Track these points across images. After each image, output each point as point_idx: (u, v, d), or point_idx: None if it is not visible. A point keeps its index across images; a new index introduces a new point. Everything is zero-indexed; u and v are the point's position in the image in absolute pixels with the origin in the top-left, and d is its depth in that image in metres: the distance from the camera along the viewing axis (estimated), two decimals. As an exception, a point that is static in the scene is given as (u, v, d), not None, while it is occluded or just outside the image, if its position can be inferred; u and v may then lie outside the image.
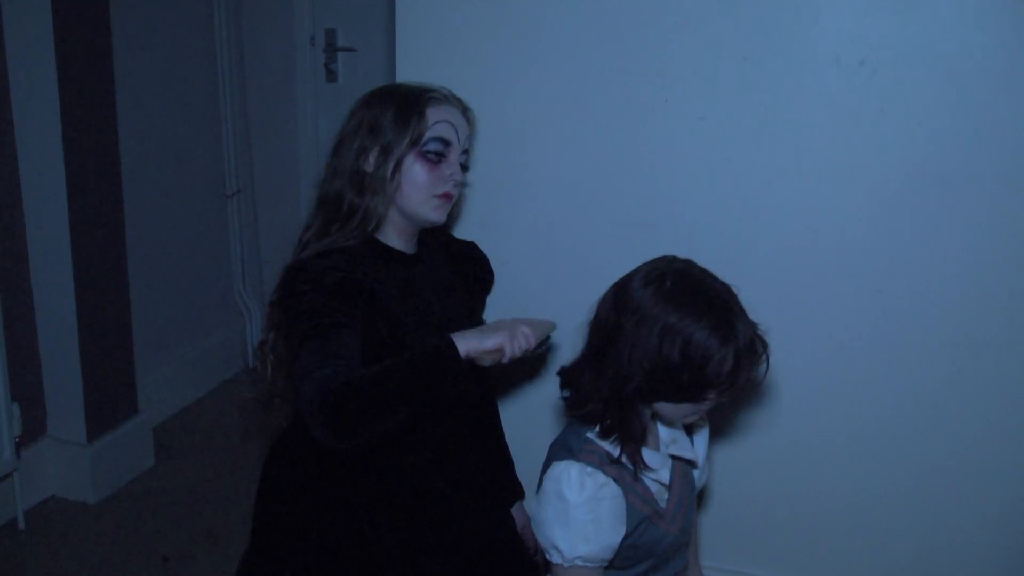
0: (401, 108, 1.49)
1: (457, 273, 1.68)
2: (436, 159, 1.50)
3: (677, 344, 1.26)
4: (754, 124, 1.74)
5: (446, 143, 1.51)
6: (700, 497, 1.88)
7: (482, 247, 1.80)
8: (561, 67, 1.79)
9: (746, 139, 1.75)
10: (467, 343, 1.32)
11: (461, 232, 1.85)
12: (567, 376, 1.41)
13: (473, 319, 1.68)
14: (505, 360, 1.35)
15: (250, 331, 3.37)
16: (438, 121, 1.50)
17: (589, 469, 1.34)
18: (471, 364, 1.34)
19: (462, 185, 1.57)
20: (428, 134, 1.49)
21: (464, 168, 1.55)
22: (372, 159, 1.49)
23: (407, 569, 1.48)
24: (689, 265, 1.35)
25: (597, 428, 1.37)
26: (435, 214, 1.53)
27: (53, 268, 2.39)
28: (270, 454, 1.60)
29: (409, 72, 1.86)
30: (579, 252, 1.86)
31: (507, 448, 1.78)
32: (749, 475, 1.94)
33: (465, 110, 1.56)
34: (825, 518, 1.92)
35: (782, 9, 1.68)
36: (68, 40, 2.29)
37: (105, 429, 2.55)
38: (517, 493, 1.77)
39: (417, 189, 1.50)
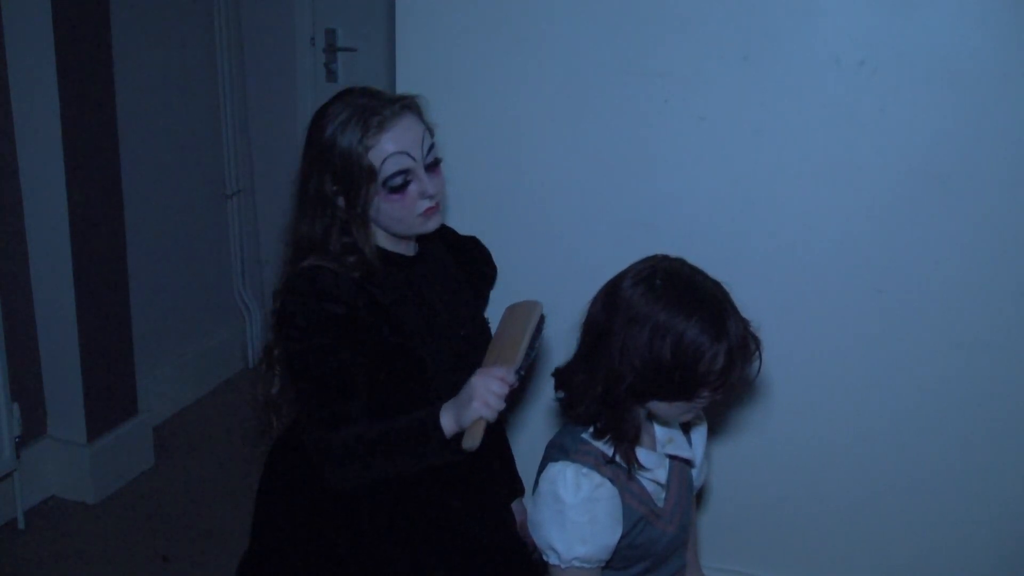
0: (347, 160, 1.42)
1: (460, 270, 1.67)
2: (403, 187, 1.44)
3: (668, 342, 1.26)
4: (754, 124, 1.74)
5: (405, 171, 1.44)
6: (699, 496, 1.88)
7: (481, 247, 1.80)
8: (561, 67, 1.79)
9: (746, 139, 1.75)
10: (448, 422, 1.32)
11: (462, 232, 1.85)
12: (561, 377, 1.41)
13: (477, 318, 1.67)
14: (494, 420, 1.31)
15: (250, 331, 3.37)
16: (387, 157, 1.42)
17: (585, 470, 1.34)
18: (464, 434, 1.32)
19: (441, 188, 1.50)
20: (383, 174, 1.42)
21: (436, 164, 1.48)
22: (343, 203, 1.45)
23: (406, 569, 1.48)
24: (679, 263, 1.35)
25: (592, 429, 1.37)
26: (426, 227, 1.49)
27: (53, 268, 2.39)
28: (270, 455, 1.60)
29: (409, 72, 1.86)
30: (579, 252, 1.86)
31: (507, 445, 1.78)
32: (749, 475, 1.94)
33: (409, 107, 1.47)
34: (825, 518, 1.92)
35: (782, 9, 1.68)
36: (68, 40, 2.29)
37: (105, 429, 2.55)
38: (517, 490, 1.77)
39: (396, 220, 1.47)
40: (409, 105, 1.47)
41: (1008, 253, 1.69)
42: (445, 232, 1.68)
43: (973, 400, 1.78)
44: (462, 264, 1.69)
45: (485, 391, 1.29)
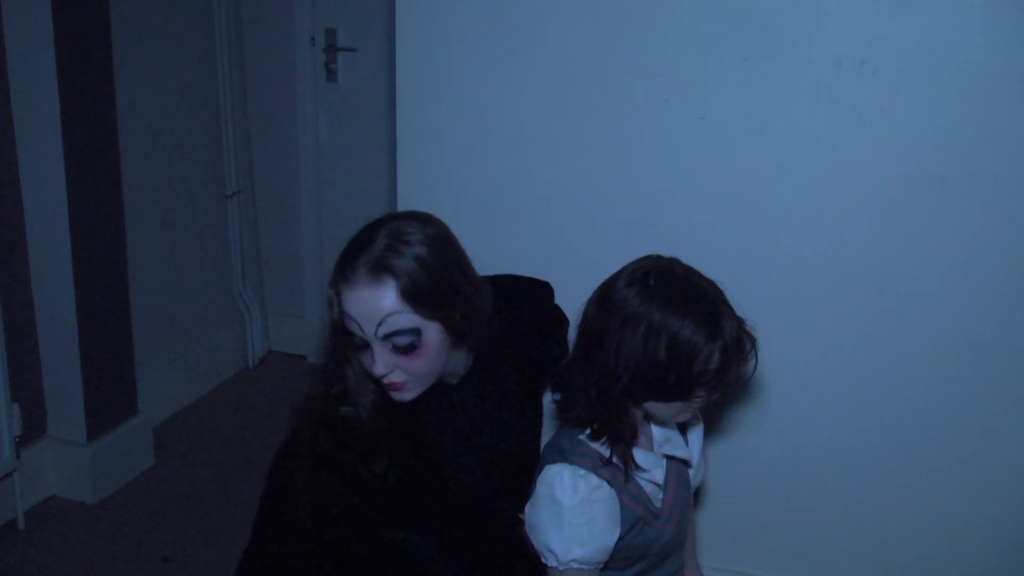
0: (331, 285, 1.31)
1: (526, 386, 1.54)
2: (364, 347, 1.30)
3: (663, 343, 1.25)
4: (754, 124, 1.74)
5: (356, 337, 1.30)
6: (696, 495, 1.88)
7: (482, 247, 1.75)
8: (561, 67, 1.79)
9: (746, 139, 1.75)
10: None
11: (463, 232, 1.84)
12: (557, 379, 1.41)
13: (527, 438, 1.55)
14: None
15: (250, 331, 3.37)
16: (344, 312, 1.29)
17: (582, 471, 1.34)
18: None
19: (414, 370, 1.31)
20: (344, 324, 1.30)
21: (409, 348, 1.28)
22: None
23: (410, 562, 1.46)
24: (673, 263, 1.34)
25: (588, 430, 1.37)
26: (392, 397, 1.34)
27: (53, 268, 2.39)
28: (279, 452, 1.56)
29: (409, 72, 1.86)
30: (579, 252, 1.86)
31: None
32: (747, 475, 1.94)
33: (381, 275, 1.26)
34: (824, 518, 1.92)
35: (782, 9, 1.68)
36: (68, 40, 2.29)
37: (105, 429, 2.55)
38: None
39: (366, 370, 1.33)
40: (384, 272, 1.27)
41: (1008, 253, 1.69)
42: (525, 301, 1.55)
43: (973, 400, 1.78)
44: (529, 381, 1.55)
45: None
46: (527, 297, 1.60)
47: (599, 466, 1.35)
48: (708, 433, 1.63)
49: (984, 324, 1.73)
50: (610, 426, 1.34)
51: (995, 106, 1.63)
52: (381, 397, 1.36)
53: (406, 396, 1.34)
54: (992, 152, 1.65)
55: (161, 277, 2.92)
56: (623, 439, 1.34)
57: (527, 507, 1.39)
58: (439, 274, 1.30)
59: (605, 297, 1.33)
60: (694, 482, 1.56)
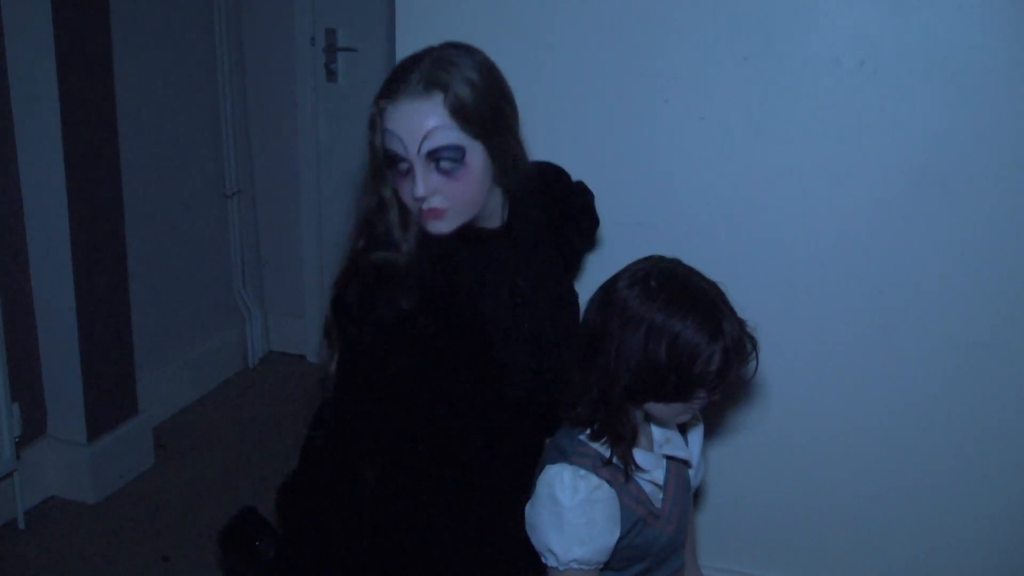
0: (375, 102, 1.26)
1: (557, 241, 1.50)
2: (405, 171, 1.25)
3: (663, 344, 1.25)
4: (754, 124, 1.74)
5: (398, 157, 1.25)
6: (696, 496, 1.88)
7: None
8: (561, 67, 1.79)
9: (746, 139, 1.75)
10: None
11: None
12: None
13: (569, 300, 1.49)
14: None
15: (250, 331, 3.37)
16: (386, 129, 1.25)
17: (582, 472, 1.34)
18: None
19: (454, 194, 1.26)
20: (385, 145, 1.26)
21: (452, 167, 1.25)
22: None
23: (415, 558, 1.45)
24: (675, 264, 1.34)
25: (589, 430, 1.37)
26: (430, 227, 1.29)
27: (53, 268, 2.39)
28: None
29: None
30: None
31: None
32: (748, 475, 1.94)
33: (431, 88, 1.23)
34: (824, 518, 1.92)
35: (782, 9, 1.68)
36: (68, 40, 2.29)
37: (105, 429, 2.55)
38: None
39: (405, 203, 1.28)
40: (432, 86, 1.23)
41: (1008, 253, 1.69)
42: (547, 178, 1.50)
43: (973, 400, 1.78)
44: (560, 235, 1.51)
45: None
46: (551, 171, 1.58)
47: (599, 466, 1.35)
48: (708, 433, 1.63)
49: (984, 324, 1.73)
50: (610, 426, 1.34)
51: (995, 106, 1.63)
52: (419, 236, 1.30)
53: (444, 227, 1.29)
54: (992, 152, 1.65)
55: (161, 277, 2.92)
56: (623, 439, 1.34)
57: (527, 507, 1.39)
58: (487, 97, 1.27)
59: (606, 298, 1.33)
60: (694, 482, 1.56)
